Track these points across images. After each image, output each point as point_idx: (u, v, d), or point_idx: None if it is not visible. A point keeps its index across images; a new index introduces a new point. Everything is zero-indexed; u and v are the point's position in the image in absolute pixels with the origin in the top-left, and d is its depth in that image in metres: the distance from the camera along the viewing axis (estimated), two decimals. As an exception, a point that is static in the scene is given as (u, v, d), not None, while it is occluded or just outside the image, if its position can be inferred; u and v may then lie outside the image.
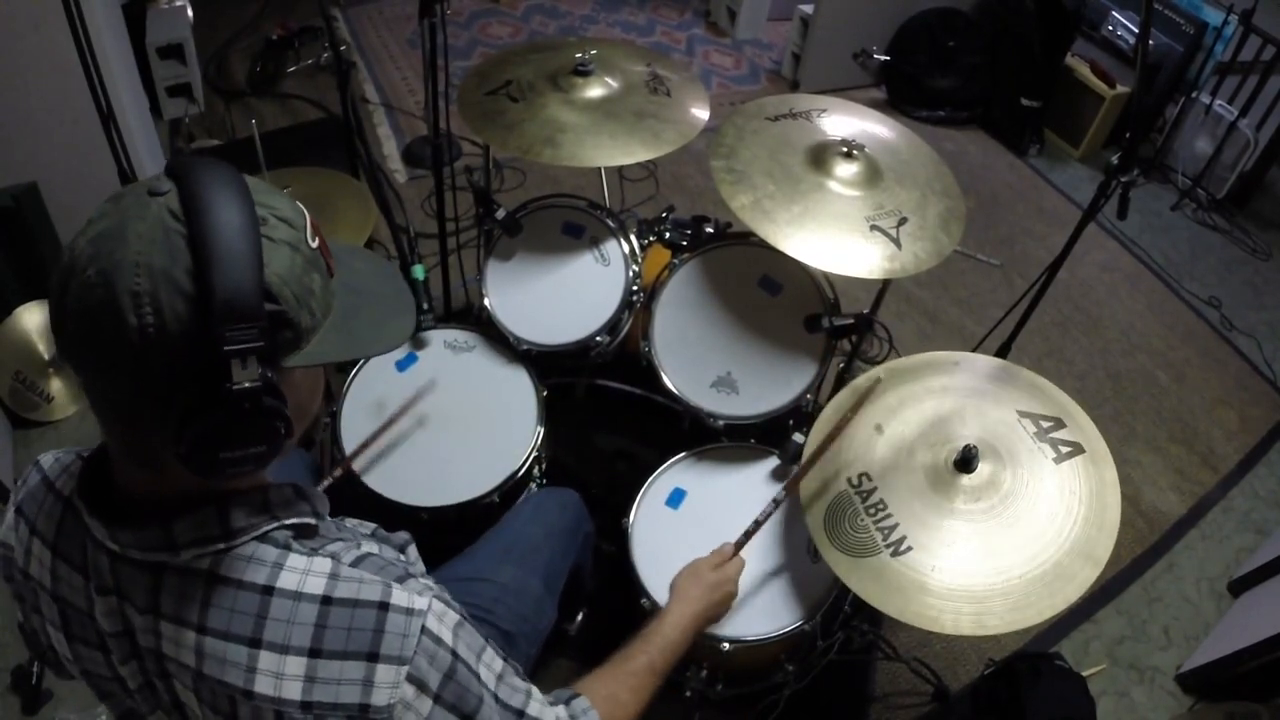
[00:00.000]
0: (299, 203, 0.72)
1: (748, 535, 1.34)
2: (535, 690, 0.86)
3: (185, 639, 0.71)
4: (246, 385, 0.61)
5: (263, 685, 0.70)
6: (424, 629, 0.72)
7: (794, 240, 1.45)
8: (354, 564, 0.74)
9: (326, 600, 0.71)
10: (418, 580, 0.77)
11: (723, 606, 1.31)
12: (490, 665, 0.81)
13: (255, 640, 0.70)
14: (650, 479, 1.58)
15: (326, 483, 1.43)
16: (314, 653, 0.70)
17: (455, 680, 0.74)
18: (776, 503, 1.34)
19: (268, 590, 0.70)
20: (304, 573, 0.72)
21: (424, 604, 0.73)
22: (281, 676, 0.70)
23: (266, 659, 0.70)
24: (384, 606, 0.71)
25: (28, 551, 0.78)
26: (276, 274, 0.65)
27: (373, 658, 0.70)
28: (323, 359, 0.70)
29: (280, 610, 0.70)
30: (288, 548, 0.73)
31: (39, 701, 1.69)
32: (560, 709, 0.90)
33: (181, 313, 0.60)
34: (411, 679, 0.71)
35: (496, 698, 0.79)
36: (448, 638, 0.75)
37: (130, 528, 0.70)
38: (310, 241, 0.69)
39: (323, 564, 0.73)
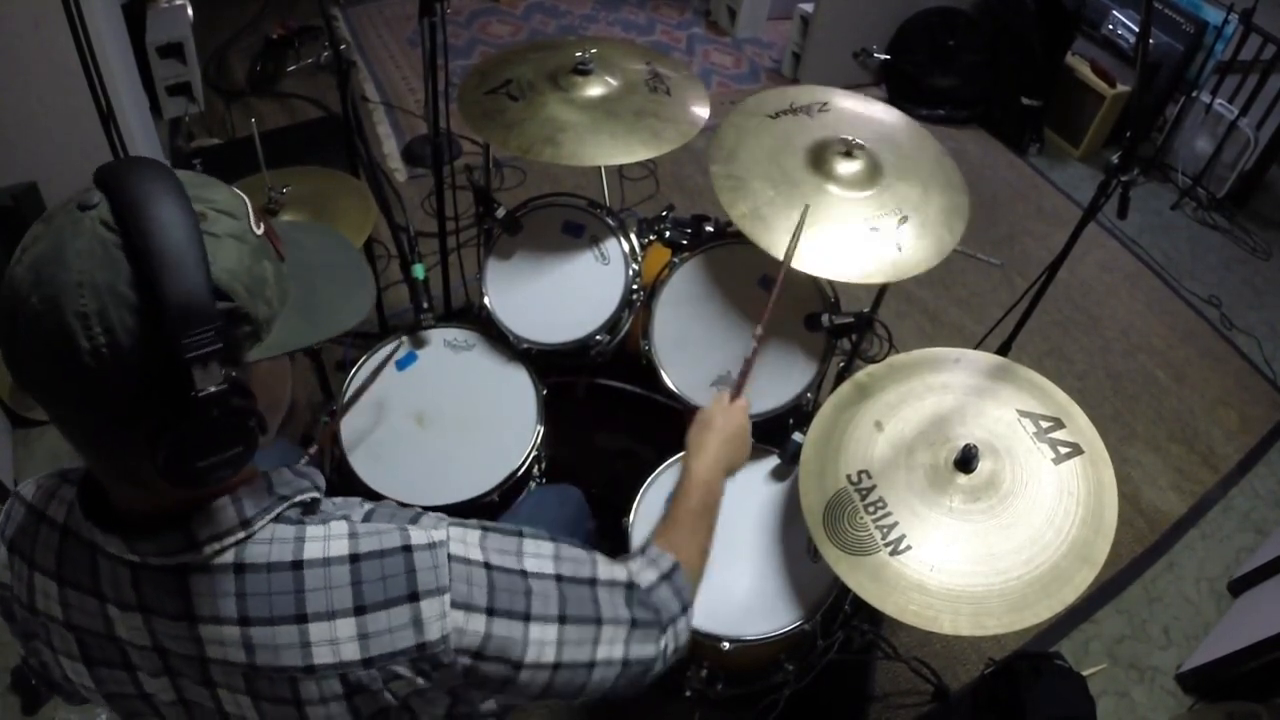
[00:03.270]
0: (236, 189, 0.69)
1: (742, 377, 1.30)
2: (600, 555, 0.87)
3: (229, 636, 0.70)
4: (212, 390, 0.60)
5: (322, 656, 0.70)
6: (451, 556, 0.74)
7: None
8: (366, 518, 0.75)
9: (354, 558, 0.72)
10: (430, 516, 0.78)
11: (741, 445, 1.24)
12: (538, 553, 0.81)
13: (301, 616, 0.70)
14: (650, 479, 1.58)
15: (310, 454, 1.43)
16: (359, 610, 0.71)
17: (499, 589, 0.75)
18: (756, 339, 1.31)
19: (297, 565, 0.71)
20: (325, 539, 0.72)
21: (442, 534, 0.75)
22: (337, 642, 0.70)
23: (318, 630, 0.70)
24: (407, 548, 0.73)
25: (30, 587, 0.76)
26: (225, 269, 0.63)
27: (414, 597, 0.71)
28: (286, 347, 0.68)
29: (315, 580, 0.70)
30: (302, 523, 0.73)
31: (39, 701, 1.69)
32: (637, 560, 0.93)
33: (132, 326, 0.58)
34: (456, 604, 0.73)
35: (559, 577, 0.80)
36: (476, 555, 0.76)
37: (148, 537, 0.69)
38: (255, 229, 0.67)
39: (339, 526, 0.73)
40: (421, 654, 0.71)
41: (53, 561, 0.75)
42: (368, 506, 0.78)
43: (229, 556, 0.70)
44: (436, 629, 0.71)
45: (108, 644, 0.75)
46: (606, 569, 0.86)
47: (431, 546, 0.74)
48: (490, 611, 0.74)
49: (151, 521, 0.69)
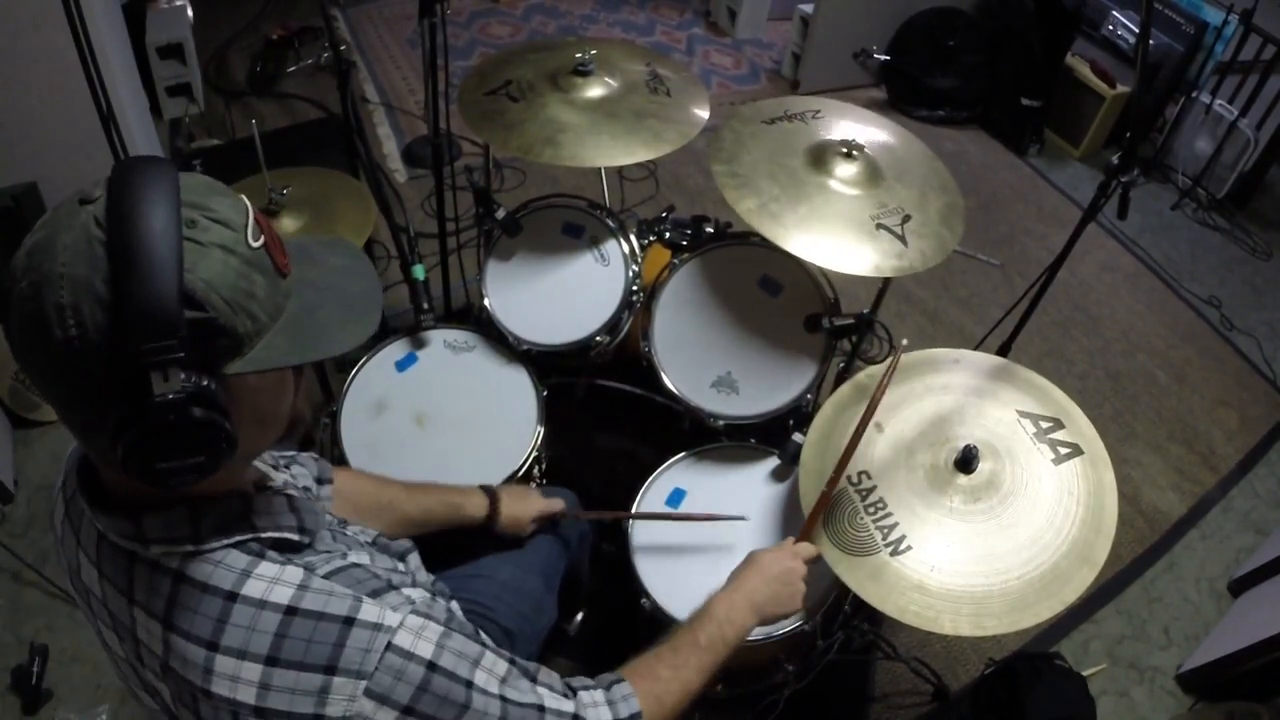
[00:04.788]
0: (244, 198, 0.69)
1: (810, 520, 1.27)
2: (555, 680, 0.86)
3: (154, 629, 0.72)
4: (170, 397, 0.60)
5: (219, 687, 0.70)
6: (390, 645, 0.72)
7: (802, 242, 1.44)
8: (328, 576, 0.74)
9: (291, 610, 0.71)
10: (398, 593, 0.76)
11: (783, 589, 1.17)
12: (492, 669, 0.80)
13: (213, 644, 0.70)
14: (650, 479, 1.58)
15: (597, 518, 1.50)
16: (271, 660, 0.70)
17: (430, 692, 0.73)
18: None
19: (231, 596, 0.71)
20: (272, 581, 0.72)
21: (395, 619, 0.73)
22: (237, 680, 0.70)
23: (223, 662, 0.70)
24: (349, 621, 0.71)
25: (54, 510, 0.83)
26: (203, 279, 0.62)
27: (330, 670, 0.70)
28: (271, 364, 0.67)
29: (241, 617, 0.70)
30: (261, 555, 0.73)
31: (39, 701, 1.69)
32: (596, 692, 0.90)
33: (102, 323, 0.59)
34: (371, 694, 0.71)
35: (504, 699, 0.79)
36: (424, 651, 0.74)
37: (107, 514, 0.72)
38: (251, 241, 0.66)
39: (293, 574, 0.72)
40: None
41: (68, 496, 0.81)
42: (349, 560, 0.77)
43: (173, 563, 0.71)
44: (339, 708, 0.70)
45: (79, 582, 0.80)
46: (553, 699, 0.84)
47: (376, 628, 0.72)
48: (407, 711, 0.72)
49: (119, 501, 0.72)
